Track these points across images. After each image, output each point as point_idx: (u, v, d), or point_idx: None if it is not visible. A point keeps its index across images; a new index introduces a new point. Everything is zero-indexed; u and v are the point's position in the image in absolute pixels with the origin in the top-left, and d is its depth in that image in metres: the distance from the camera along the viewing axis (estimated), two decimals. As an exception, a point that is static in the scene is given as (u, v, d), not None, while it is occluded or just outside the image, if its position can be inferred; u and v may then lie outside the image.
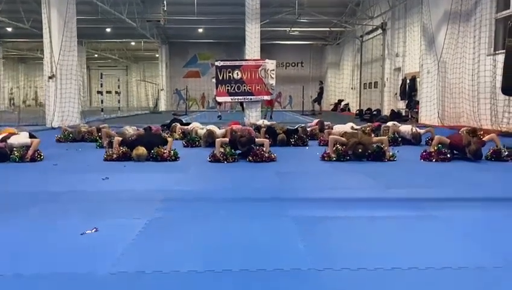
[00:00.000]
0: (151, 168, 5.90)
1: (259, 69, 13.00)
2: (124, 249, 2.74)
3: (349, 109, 24.95)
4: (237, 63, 13.31)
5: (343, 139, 6.56)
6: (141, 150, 6.28)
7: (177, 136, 9.37)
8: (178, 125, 10.00)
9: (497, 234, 3.08)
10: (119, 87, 24.24)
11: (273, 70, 13.19)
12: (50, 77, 13.00)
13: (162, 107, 27.95)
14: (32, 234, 3.08)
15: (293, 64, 29.14)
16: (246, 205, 3.89)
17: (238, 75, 12.95)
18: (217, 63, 13.16)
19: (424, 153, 6.52)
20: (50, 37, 12.91)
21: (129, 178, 5.14)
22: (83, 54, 26.33)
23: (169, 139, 6.75)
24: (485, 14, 12.04)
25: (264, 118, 14.88)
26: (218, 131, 8.25)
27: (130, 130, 7.92)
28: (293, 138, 8.47)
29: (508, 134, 9.99)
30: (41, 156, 6.45)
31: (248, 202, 3.99)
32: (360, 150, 6.24)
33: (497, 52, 11.60)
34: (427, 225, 3.26)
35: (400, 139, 8.43)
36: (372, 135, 8.38)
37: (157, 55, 29.74)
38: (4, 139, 6.44)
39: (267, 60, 13.34)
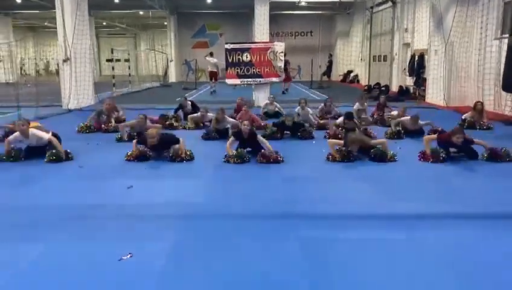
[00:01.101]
0: (169, 172, 6.40)
1: (268, 51, 13.23)
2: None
3: (358, 81, 25.06)
4: (246, 45, 13.54)
5: (341, 142, 7.03)
6: (153, 132, 6.91)
7: (191, 126, 9.89)
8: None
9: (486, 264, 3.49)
10: (128, 56, 24.56)
11: (282, 52, 13.41)
12: (65, 60, 13.38)
13: (172, 78, 28.22)
14: (74, 261, 3.58)
15: (302, 34, 29.00)
16: (254, 223, 4.37)
17: (247, 57, 13.21)
18: (226, 46, 13.40)
19: (421, 154, 6.93)
20: (63, 20, 13.17)
21: (150, 187, 5.65)
22: (91, 24, 26.39)
23: (181, 139, 7.08)
24: (494, -3, 12.06)
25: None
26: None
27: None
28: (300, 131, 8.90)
29: (510, 122, 10.30)
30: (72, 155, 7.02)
31: (257, 219, 4.49)
32: (355, 149, 6.78)
33: (504, 36, 11.69)
34: (419, 252, 3.71)
35: (403, 133, 8.77)
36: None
37: (165, 23, 29.72)
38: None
39: (276, 43, 13.57)
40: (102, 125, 9.62)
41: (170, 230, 4.21)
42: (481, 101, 10.29)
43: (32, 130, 7.00)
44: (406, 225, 4.30)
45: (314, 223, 4.38)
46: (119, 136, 8.62)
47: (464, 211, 4.73)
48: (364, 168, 6.57)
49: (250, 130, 7.11)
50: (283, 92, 17.80)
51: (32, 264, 3.53)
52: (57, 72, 29.94)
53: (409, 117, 8.97)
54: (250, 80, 13.54)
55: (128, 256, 3.62)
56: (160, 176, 6.19)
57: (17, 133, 6.93)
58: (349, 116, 8.86)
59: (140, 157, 6.88)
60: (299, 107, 10.10)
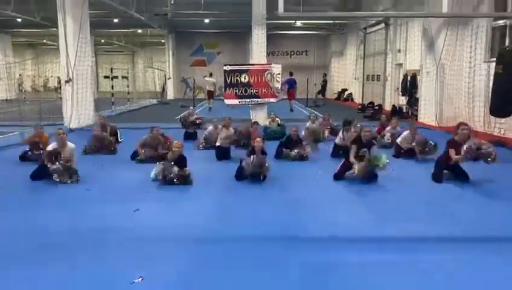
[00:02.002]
0: (174, 194, 6.64)
1: (266, 73, 13.67)
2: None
3: (352, 99, 25.54)
4: (244, 67, 14.01)
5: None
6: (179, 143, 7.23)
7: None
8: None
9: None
10: (128, 74, 24.89)
11: (279, 74, 13.87)
12: (67, 81, 13.69)
13: (170, 95, 28.60)
14: (88, 283, 3.82)
15: (298, 53, 29.61)
16: (256, 246, 4.63)
17: (245, 78, 13.65)
18: (225, 68, 13.82)
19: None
20: (66, 42, 13.50)
21: (156, 210, 5.92)
22: (91, 42, 26.69)
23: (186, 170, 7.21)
24: (482, 22, 12.53)
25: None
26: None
27: None
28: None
29: (500, 142, 10.64)
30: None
31: (258, 242, 4.75)
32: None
33: (492, 59, 12.13)
34: (420, 275, 3.92)
35: (402, 151, 9.02)
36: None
37: (163, 41, 30.21)
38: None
39: (273, 64, 14.01)
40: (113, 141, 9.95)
41: (177, 253, 4.44)
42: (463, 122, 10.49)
43: (70, 143, 7.28)
44: (407, 248, 4.53)
45: (315, 246, 4.63)
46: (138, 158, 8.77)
47: (463, 235, 4.96)
48: (363, 190, 6.81)
49: (261, 148, 7.46)
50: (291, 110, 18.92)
51: (46, 288, 3.73)
52: (56, 89, 30.26)
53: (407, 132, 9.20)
54: (248, 100, 13.93)
55: (140, 279, 3.87)
56: (166, 199, 6.42)
57: (54, 143, 7.14)
58: (346, 123, 9.79)
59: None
60: (309, 122, 10.56)
